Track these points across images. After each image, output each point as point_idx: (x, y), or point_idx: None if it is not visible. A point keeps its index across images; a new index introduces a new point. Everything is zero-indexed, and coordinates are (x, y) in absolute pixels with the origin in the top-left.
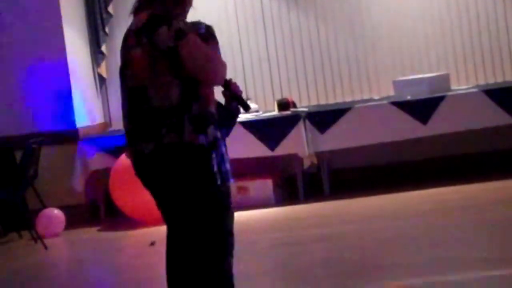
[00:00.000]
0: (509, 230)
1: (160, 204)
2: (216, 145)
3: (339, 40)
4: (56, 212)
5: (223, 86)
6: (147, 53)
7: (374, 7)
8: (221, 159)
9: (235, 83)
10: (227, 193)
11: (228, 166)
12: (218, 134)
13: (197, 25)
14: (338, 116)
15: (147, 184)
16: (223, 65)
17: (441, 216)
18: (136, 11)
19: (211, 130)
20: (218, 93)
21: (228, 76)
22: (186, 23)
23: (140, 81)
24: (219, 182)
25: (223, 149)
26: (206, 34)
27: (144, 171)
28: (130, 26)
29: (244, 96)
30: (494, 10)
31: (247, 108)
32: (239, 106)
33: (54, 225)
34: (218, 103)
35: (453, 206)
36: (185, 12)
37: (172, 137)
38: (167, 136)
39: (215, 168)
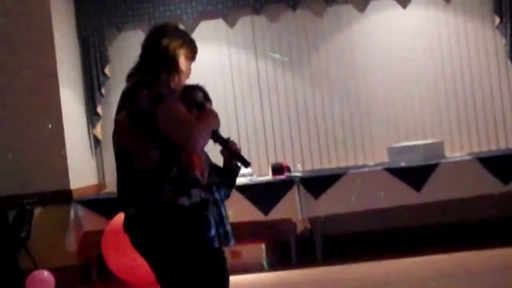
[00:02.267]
0: None
1: (151, 266)
2: (204, 208)
3: (334, 105)
4: (46, 274)
5: (221, 144)
6: (127, 116)
7: (369, 74)
8: (220, 220)
9: (232, 141)
10: (222, 257)
11: (222, 229)
12: (214, 197)
13: (193, 93)
14: (332, 181)
15: (135, 247)
16: (199, 133)
17: (434, 283)
18: (129, 77)
19: (195, 192)
20: (216, 152)
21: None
22: (175, 90)
23: (123, 145)
24: (213, 246)
25: (212, 213)
26: (203, 102)
27: (130, 235)
28: (122, 90)
29: (242, 153)
30: (489, 79)
31: (247, 165)
32: (238, 163)
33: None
34: (216, 166)
35: (446, 273)
36: (179, 81)
37: (151, 199)
38: (146, 198)
39: (209, 232)
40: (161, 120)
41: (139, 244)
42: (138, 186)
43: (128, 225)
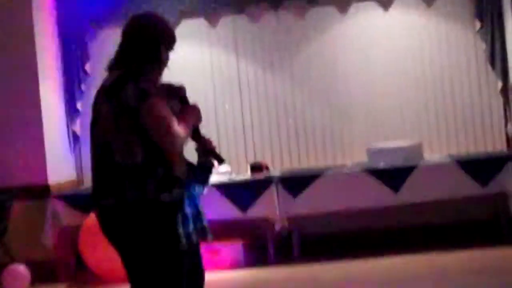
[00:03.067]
0: None
1: (122, 259)
2: (182, 205)
3: (314, 105)
4: (22, 268)
5: (196, 142)
6: (113, 109)
7: (350, 76)
8: (197, 215)
9: (208, 139)
10: (197, 253)
11: (199, 224)
12: (189, 192)
13: (176, 88)
14: (310, 181)
15: (109, 238)
16: (178, 133)
17: (409, 285)
18: (110, 68)
19: (175, 190)
20: (189, 147)
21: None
22: (161, 85)
23: (105, 137)
24: (183, 242)
25: (189, 209)
26: (186, 96)
27: (106, 226)
28: (103, 82)
29: (217, 150)
30: (468, 83)
31: (221, 161)
32: (212, 160)
33: (19, 282)
34: (190, 163)
35: (422, 275)
36: (160, 72)
37: (134, 193)
38: (130, 192)
39: (179, 228)
40: (143, 118)
41: (113, 234)
42: (119, 179)
43: (105, 215)
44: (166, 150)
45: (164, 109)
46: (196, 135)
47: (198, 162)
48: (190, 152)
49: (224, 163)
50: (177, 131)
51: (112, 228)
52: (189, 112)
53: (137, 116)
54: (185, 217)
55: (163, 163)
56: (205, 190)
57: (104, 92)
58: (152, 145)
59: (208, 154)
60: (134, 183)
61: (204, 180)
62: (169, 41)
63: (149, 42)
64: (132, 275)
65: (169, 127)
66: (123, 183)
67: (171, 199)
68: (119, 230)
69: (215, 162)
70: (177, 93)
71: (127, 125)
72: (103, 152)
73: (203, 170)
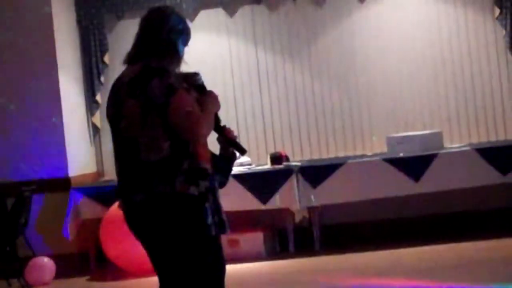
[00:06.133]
0: None
1: (151, 254)
2: (208, 197)
3: (333, 95)
4: (46, 260)
5: (217, 132)
6: (139, 105)
7: (369, 64)
8: (216, 208)
9: (229, 129)
10: (219, 245)
11: (218, 217)
12: (211, 185)
13: (193, 76)
14: (330, 171)
15: (138, 234)
16: (206, 124)
17: (431, 274)
18: (130, 61)
19: (202, 183)
20: (212, 138)
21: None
22: (179, 76)
23: (131, 132)
24: (213, 233)
25: (212, 200)
26: (203, 84)
27: (135, 221)
28: (122, 75)
29: (238, 141)
30: (488, 70)
31: (243, 152)
32: (234, 151)
33: (44, 274)
34: (213, 154)
35: (444, 264)
36: (179, 66)
37: (163, 187)
38: (158, 186)
39: (209, 219)
40: (172, 112)
41: (143, 229)
42: (147, 174)
43: (135, 211)
44: (194, 142)
45: (191, 101)
46: (216, 123)
47: (220, 153)
48: (212, 143)
49: (246, 153)
50: (204, 123)
51: (142, 223)
52: (208, 101)
53: (165, 112)
54: (216, 207)
55: (188, 156)
56: (227, 182)
57: (126, 87)
58: (177, 139)
59: (230, 144)
60: (162, 178)
61: (226, 171)
62: (185, 36)
63: (167, 38)
64: (161, 269)
65: (197, 119)
66: (152, 178)
67: (199, 192)
68: (148, 224)
69: (237, 153)
70: (194, 82)
71: (155, 121)
72: (129, 148)
73: (225, 161)
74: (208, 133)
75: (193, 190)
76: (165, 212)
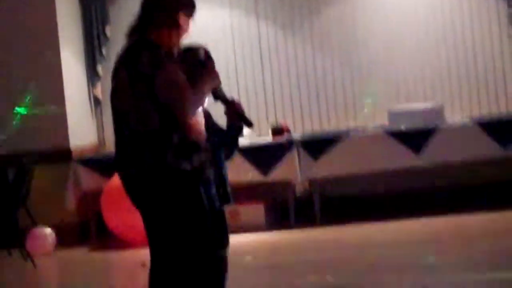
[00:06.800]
0: (501, 262)
1: (145, 223)
2: (205, 171)
3: (335, 68)
4: (47, 231)
5: (225, 105)
6: (129, 76)
7: (370, 38)
8: (221, 180)
9: (236, 102)
10: (222, 217)
11: (222, 189)
12: (216, 157)
13: (195, 50)
14: (331, 143)
15: (135, 203)
16: (193, 99)
17: (430, 246)
18: (130, 34)
19: (195, 157)
20: (220, 111)
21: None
22: (173, 51)
23: (123, 104)
24: (206, 207)
25: (212, 173)
26: (205, 59)
27: (130, 192)
28: (121, 49)
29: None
30: (490, 43)
31: (250, 125)
32: (242, 124)
33: (45, 244)
34: (217, 126)
35: (444, 236)
36: (178, 38)
37: (154, 161)
38: (149, 160)
39: (202, 193)
40: (158, 86)
41: (139, 201)
42: (138, 148)
43: (129, 183)
44: (179, 116)
45: (177, 76)
46: (218, 96)
47: (227, 125)
48: (220, 116)
49: (253, 127)
50: (189, 97)
51: (136, 194)
52: (204, 76)
53: (152, 84)
54: (207, 181)
55: (178, 130)
56: (233, 154)
57: (120, 59)
58: (167, 112)
59: (237, 117)
60: (153, 151)
61: (232, 145)
62: (188, 7)
63: (166, 8)
64: (154, 240)
65: (181, 96)
66: (143, 152)
67: (192, 166)
68: (142, 197)
69: (244, 126)
70: (194, 56)
71: (143, 92)
72: (122, 120)
73: (231, 133)
74: (195, 108)
75: (185, 165)
76: (157, 186)
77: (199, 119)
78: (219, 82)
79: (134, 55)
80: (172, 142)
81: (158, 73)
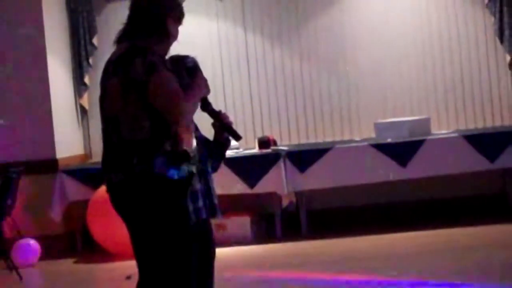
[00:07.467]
0: (487, 275)
1: (130, 233)
2: (192, 182)
3: (322, 80)
4: (32, 242)
5: (213, 117)
6: (120, 83)
7: (358, 49)
8: (207, 192)
9: (224, 114)
10: (208, 229)
11: (209, 201)
12: (203, 168)
13: (183, 59)
14: (318, 156)
15: (119, 212)
16: (186, 106)
17: (416, 260)
18: (118, 40)
19: (184, 166)
20: (207, 123)
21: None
22: (165, 58)
23: (113, 111)
24: (194, 220)
25: (199, 185)
26: (193, 67)
27: (115, 200)
28: (111, 56)
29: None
30: (477, 57)
31: (238, 138)
32: (229, 136)
33: (30, 256)
34: (206, 139)
35: (429, 250)
36: (168, 45)
37: (142, 168)
38: (138, 166)
39: (190, 206)
40: (152, 92)
41: (123, 209)
42: (127, 154)
43: (114, 190)
44: (173, 124)
45: (172, 82)
46: (207, 106)
47: (214, 137)
48: (207, 129)
49: (241, 139)
50: (184, 105)
51: (122, 202)
52: (196, 85)
53: (145, 90)
54: (195, 193)
55: (170, 138)
56: (220, 166)
57: (111, 66)
58: (159, 120)
59: (225, 130)
60: (142, 158)
61: (219, 157)
62: (177, 15)
63: (156, 15)
64: (138, 251)
65: (176, 101)
66: (131, 158)
67: (180, 176)
68: (128, 204)
69: (232, 139)
70: (184, 64)
71: (135, 99)
72: (111, 127)
73: (218, 145)
74: (188, 116)
75: (172, 173)
76: (143, 193)
77: (190, 129)
78: (208, 91)
79: (126, 62)
80: (162, 149)
81: (152, 78)
